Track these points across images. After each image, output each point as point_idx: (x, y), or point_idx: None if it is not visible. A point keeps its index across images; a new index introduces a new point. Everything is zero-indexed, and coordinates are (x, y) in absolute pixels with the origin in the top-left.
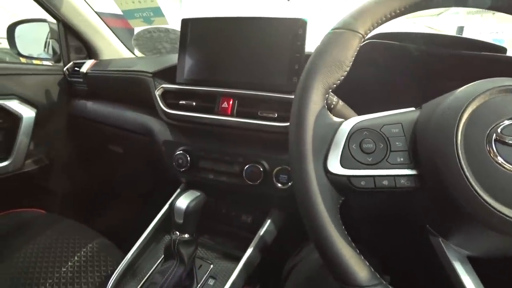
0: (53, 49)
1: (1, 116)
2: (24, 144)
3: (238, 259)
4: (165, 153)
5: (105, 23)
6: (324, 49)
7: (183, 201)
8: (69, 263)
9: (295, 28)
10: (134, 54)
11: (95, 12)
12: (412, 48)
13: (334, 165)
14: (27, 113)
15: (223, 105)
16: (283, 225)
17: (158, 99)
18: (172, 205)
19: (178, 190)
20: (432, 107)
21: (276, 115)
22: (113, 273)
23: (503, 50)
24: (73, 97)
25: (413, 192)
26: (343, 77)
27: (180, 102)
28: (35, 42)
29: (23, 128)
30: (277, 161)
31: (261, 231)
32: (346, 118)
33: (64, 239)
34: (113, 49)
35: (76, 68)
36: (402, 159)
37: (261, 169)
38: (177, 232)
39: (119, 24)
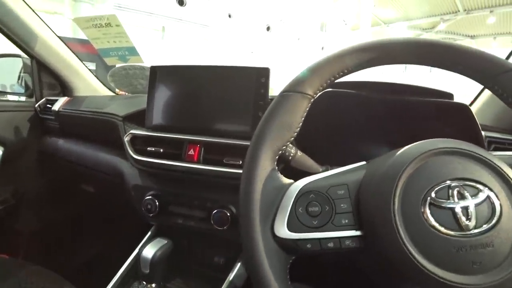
0: (26, 84)
1: None
2: None
3: None
4: (134, 198)
5: (77, 56)
6: (272, 113)
7: (149, 250)
8: None
9: (258, 77)
10: (109, 89)
11: (70, 48)
12: (364, 96)
13: (281, 229)
14: None
15: (189, 152)
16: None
17: (127, 145)
18: (138, 254)
19: (149, 234)
20: (374, 168)
21: (241, 162)
22: None
23: (450, 96)
24: (44, 133)
25: (357, 252)
26: (292, 138)
27: (148, 148)
28: (7, 76)
29: None
30: None
31: (231, 276)
32: (304, 168)
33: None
34: (88, 85)
35: (48, 105)
36: (346, 220)
37: (228, 214)
38: (144, 282)
39: (91, 50)
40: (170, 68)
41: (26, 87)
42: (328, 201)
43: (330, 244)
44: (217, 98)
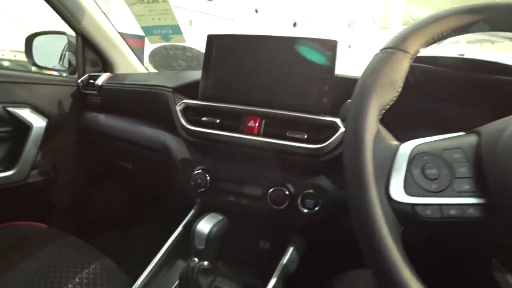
0: (69, 62)
1: (12, 124)
2: (31, 154)
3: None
4: (182, 172)
5: (120, 34)
6: (376, 68)
7: (205, 225)
8: (69, 285)
9: (325, 49)
10: (148, 71)
11: (113, 26)
12: (451, 72)
13: (398, 192)
14: (38, 122)
15: (249, 124)
16: (305, 256)
17: (179, 114)
18: (192, 229)
19: (192, 212)
20: (494, 133)
21: (306, 136)
22: None
23: None
24: (85, 109)
25: (479, 223)
26: (395, 98)
27: (203, 119)
28: (51, 54)
29: (32, 137)
30: (304, 185)
31: (284, 260)
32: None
33: (64, 258)
34: (128, 63)
35: (91, 81)
36: (468, 186)
37: (287, 193)
38: (196, 259)
39: (131, 43)
40: (229, 37)
41: (69, 64)
42: (445, 164)
43: (452, 212)
44: (280, 70)
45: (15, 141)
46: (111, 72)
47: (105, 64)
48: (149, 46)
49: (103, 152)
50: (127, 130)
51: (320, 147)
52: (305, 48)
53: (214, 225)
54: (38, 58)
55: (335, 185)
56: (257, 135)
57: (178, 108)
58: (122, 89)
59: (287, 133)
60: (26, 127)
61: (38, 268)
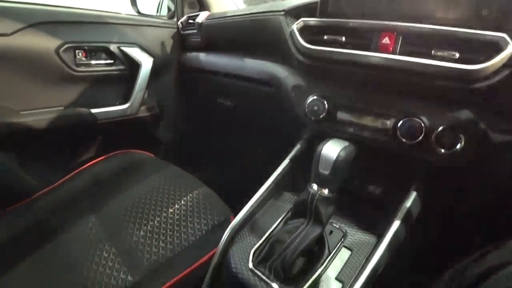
0: (168, 8)
1: (125, 63)
2: (141, 90)
3: (375, 233)
4: (295, 99)
5: None
6: None
7: (332, 148)
8: (176, 206)
9: None
10: None
11: None
12: None
13: None
14: (146, 61)
15: (383, 41)
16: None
17: (297, 33)
18: (316, 152)
19: (298, 146)
20: None
21: (458, 55)
22: (219, 223)
23: None
24: (186, 50)
25: None
26: None
27: (326, 37)
28: (149, 5)
29: (142, 75)
30: (442, 118)
31: (407, 203)
32: None
33: (171, 183)
34: (224, 3)
35: (190, 21)
36: None
37: (423, 125)
38: (315, 186)
39: None
40: None
41: (168, 10)
42: None
43: None
44: None
45: (128, 79)
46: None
47: (201, 5)
48: None
49: (203, 90)
50: (229, 64)
51: (478, 69)
52: None
53: (342, 149)
54: (141, 7)
55: (487, 122)
56: (393, 53)
57: (296, 26)
58: (224, 24)
59: (432, 52)
60: (136, 65)
61: (148, 190)
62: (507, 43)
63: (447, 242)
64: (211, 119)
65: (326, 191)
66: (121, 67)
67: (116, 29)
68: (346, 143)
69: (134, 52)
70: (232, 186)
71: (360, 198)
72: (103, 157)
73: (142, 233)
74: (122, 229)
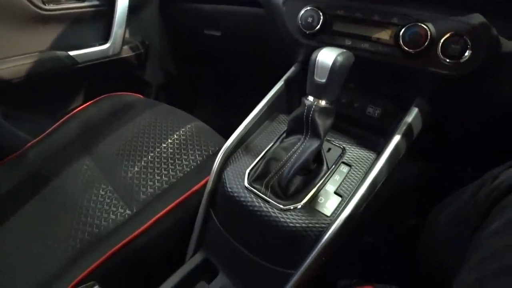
0: None
1: None
2: (120, 28)
3: (374, 149)
4: (287, 14)
5: None
6: None
7: (328, 54)
8: (169, 140)
9: None
10: None
11: None
12: None
13: None
14: None
15: None
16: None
17: None
18: (311, 59)
19: (293, 68)
20: None
21: None
22: (214, 153)
23: None
24: None
25: None
26: None
27: None
28: None
29: (119, 11)
30: (449, 23)
31: (409, 118)
32: None
33: (163, 120)
34: None
35: None
36: None
37: (429, 33)
38: (311, 98)
39: None
40: None
41: None
42: None
43: None
44: None
45: (103, 16)
46: None
47: None
48: None
49: (188, 22)
50: None
51: None
52: None
53: (339, 55)
54: None
55: (496, 27)
56: None
57: None
58: None
59: None
60: (111, 0)
61: (140, 129)
62: None
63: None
64: (200, 54)
65: (323, 102)
66: (95, 2)
67: None
68: (344, 50)
69: None
70: (229, 122)
71: (360, 121)
72: (91, 101)
73: (136, 169)
74: (117, 168)
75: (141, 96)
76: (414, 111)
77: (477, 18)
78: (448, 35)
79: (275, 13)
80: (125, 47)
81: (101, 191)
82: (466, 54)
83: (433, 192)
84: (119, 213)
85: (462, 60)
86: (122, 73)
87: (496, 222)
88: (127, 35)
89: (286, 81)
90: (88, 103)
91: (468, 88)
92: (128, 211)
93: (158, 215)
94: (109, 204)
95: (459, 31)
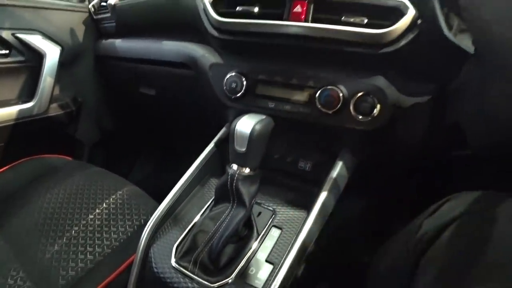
0: None
1: (24, 53)
2: (48, 85)
3: (305, 208)
4: (212, 78)
5: None
6: None
7: (246, 123)
8: (97, 210)
9: None
10: None
11: None
12: None
13: None
14: (51, 50)
15: (295, 10)
16: (353, 178)
17: (208, 6)
18: (231, 129)
19: (224, 129)
20: None
21: (366, 21)
22: (145, 222)
23: None
24: (100, 37)
25: None
26: None
27: (237, 9)
28: None
29: (47, 66)
30: (359, 86)
31: (333, 173)
32: None
33: (91, 186)
34: None
35: (103, 3)
36: None
37: (341, 95)
38: (235, 166)
39: None
40: None
41: None
42: None
43: None
44: None
45: (31, 72)
46: None
47: None
48: None
49: (123, 80)
50: (148, 49)
51: (383, 33)
52: None
53: (257, 123)
54: None
55: (396, 86)
56: (305, 21)
57: (206, 0)
58: (138, 4)
59: (342, 18)
60: (39, 55)
61: (66, 196)
62: (407, 8)
63: (386, 206)
64: (135, 111)
65: (247, 170)
66: (20, 58)
67: (8, 12)
68: (263, 117)
69: (35, 40)
70: (168, 179)
71: (294, 174)
72: (7, 166)
73: (56, 247)
74: (32, 247)
75: (69, 158)
76: (339, 165)
77: (380, 80)
78: (359, 95)
79: (203, 77)
80: (54, 104)
81: (9, 279)
82: (375, 111)
83: (380, 225)
84: None
85: (372, 116)
86: (49, 133)
87: (426, 276)
88: (57, 92)
89: (217, 143)
90: (3, 168)
91: (381, 139)
92: None
93: None
94: None
95: (367, 91)
